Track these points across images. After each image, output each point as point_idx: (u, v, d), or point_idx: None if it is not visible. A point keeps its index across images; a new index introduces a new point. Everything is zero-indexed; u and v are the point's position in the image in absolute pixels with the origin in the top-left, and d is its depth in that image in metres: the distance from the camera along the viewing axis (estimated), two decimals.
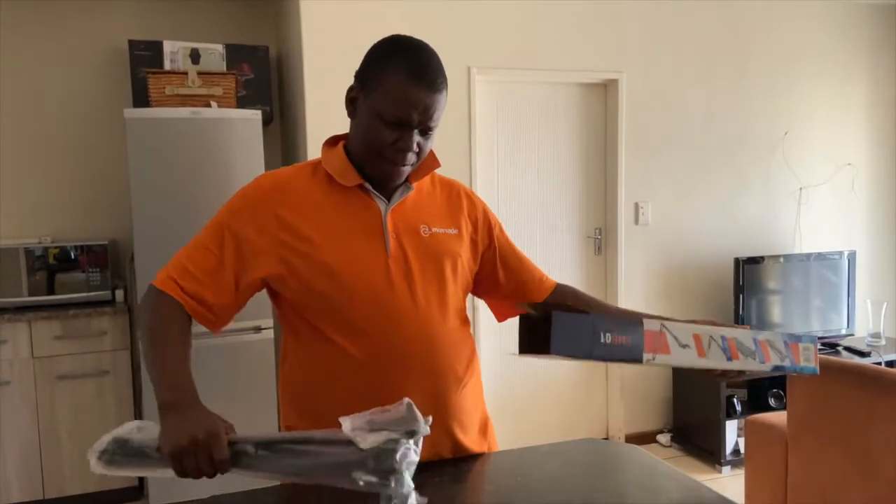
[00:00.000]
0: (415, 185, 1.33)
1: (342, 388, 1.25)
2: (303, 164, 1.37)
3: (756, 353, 1.15)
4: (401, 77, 1.20)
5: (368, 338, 1.24)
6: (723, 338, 1.13)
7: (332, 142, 1.37)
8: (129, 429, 1.03)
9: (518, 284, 1.44)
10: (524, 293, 1.44)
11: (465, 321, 1.38)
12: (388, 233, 1.28)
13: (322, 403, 1.28)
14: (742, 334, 1.15)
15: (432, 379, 1.27)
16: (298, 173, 1.34)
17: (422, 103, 1.21)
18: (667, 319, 1.11)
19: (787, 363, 1.17)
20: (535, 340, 1.05)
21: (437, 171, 1.40)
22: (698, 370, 1.18)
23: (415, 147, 1.24)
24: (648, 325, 1.07)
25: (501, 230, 1.46)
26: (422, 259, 1.29)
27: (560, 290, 1.47)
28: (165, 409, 1.07)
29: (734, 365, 1.13)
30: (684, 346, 1.10)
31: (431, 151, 1.34)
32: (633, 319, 1.07)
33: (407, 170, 1.28)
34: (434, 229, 1.33)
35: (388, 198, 1.31)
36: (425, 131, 1.25)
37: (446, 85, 1.26)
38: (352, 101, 1.28)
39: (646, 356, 1.06)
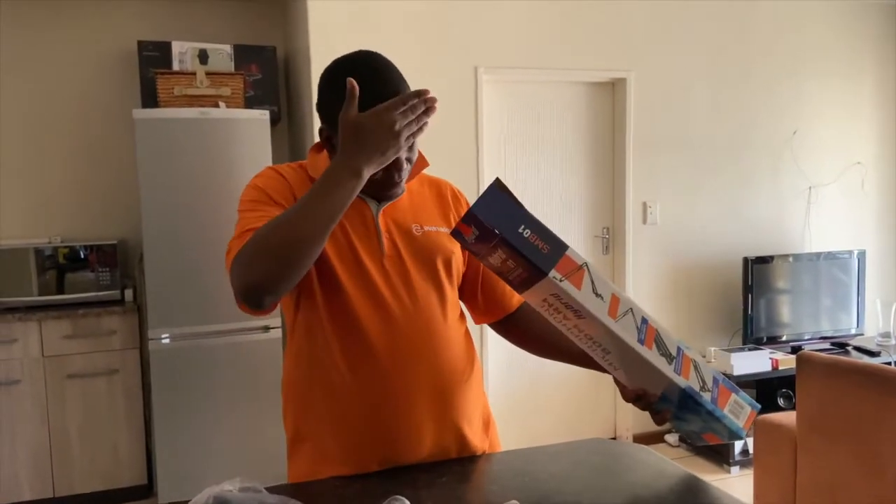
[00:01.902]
0: (406, 187, 1.33)
1: (345, 388, 1.25)
2: (295, 164, 1.35)
3: (674, 360, 1.05)
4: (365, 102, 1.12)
5: (369, 337, 1.24)
6: (644, 319, 1.04)
7: (317, 148, 1.34)
8: (228, 488, 1.00)
9: (490, 290, 1.41)
10: (496, 300, 1.42)
11: (462, 317, 1.39)
12: (382, 233, 1.28)
13: (325, 403, 1.28)
14: (668, 333, 1.06)
15: (434, 376, 1.27)
16: (296, 173, 1.33)
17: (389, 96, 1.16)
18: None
19: (704, 397, 1.06)
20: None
21: (437, 171, 1.41)
22: (623, 390, 1.15)
23: (404, 166, 1.24)
24: (572, 254, 1.01)
25: None
26: (416, 258, 1.29)
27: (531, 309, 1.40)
28: (354, 158, 1.07)
29: (642, 351, 1.03)
30: (598, 296, 1.01)
31: (420, 152, 1.33)
32: (561, 241, 1.01)
33: (404, 175, 1.27)
34: (426, 228, 1.33)
35: (378, 200, 1.30)
36: (411, 145, 1.22)
37: (405, 84, 1.21)
38: (327, 139, 1.24)
39: (553, 273, 0.99)
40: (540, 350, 1.42)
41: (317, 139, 1.34)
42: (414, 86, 1.21)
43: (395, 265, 1.27)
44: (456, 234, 1.04)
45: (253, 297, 1.07)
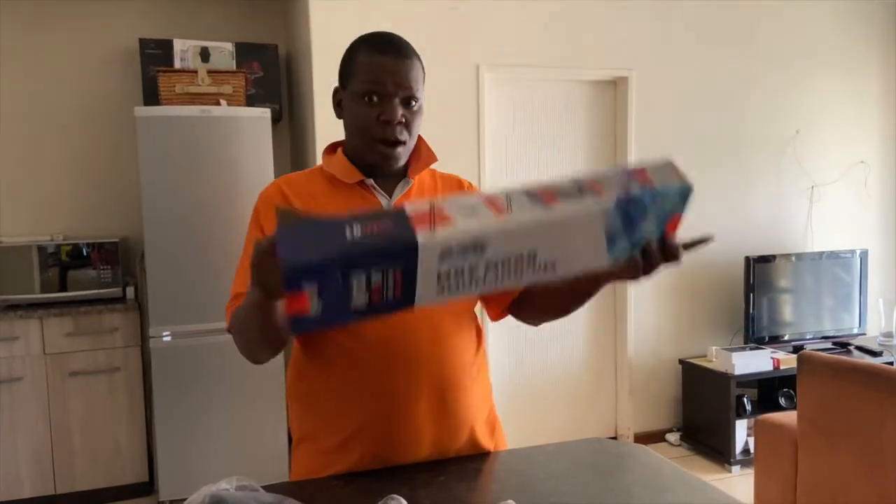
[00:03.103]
0: (414, 179, 1.34)
1: (351, 388, 1.25)
2: (304, 171, 1.40)
3: (585, 193, 0.89)
4: (367, 54, 1.25)
5: (373, 338, 1.24)
6: (526, 189, 0.88)
7: (331, 149, 1.40)
8: (225, 486, 1.00)
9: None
10: (504, 296, 1.38)
11: (471, 318, 1.38)
12: None
13: (326, 402, 1.29)
14: (558, 181, 0.90)
15: (440, 377, 1.27)
16: (304, 176, 1.37)
17: (392, 69, 1.24)
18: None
19: (635, 190, 0.91)
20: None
21: (438, 168, 1.41)
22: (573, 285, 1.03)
23: (399, 116, 1.25)
24: (413, 207, 0.85)
25: None
26: None
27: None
28: (260, 292, 1.03)
29: (556, 213, 0.86)
30: (472, 211, 0.85)
31: (427, 145, 1.36)
32: (393, 208, 0.90)
33: (401, 151, 1.28)
34: None
35: (390, 194, 1.32)
36: (407, 101, 1.26)
37: (417, 57, 1.28)
38: (338, 103, 1.33)
39: (421, 234, 0.81)
40: (553, 305, 1.33)
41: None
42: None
43: None
44: (298, 324, 0.82)
45: (251, 361, 1.29)
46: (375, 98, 1.24)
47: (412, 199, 1.33)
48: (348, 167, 1.31)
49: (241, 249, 1.34)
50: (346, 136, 1.34)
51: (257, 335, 1.16)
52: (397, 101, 1.25)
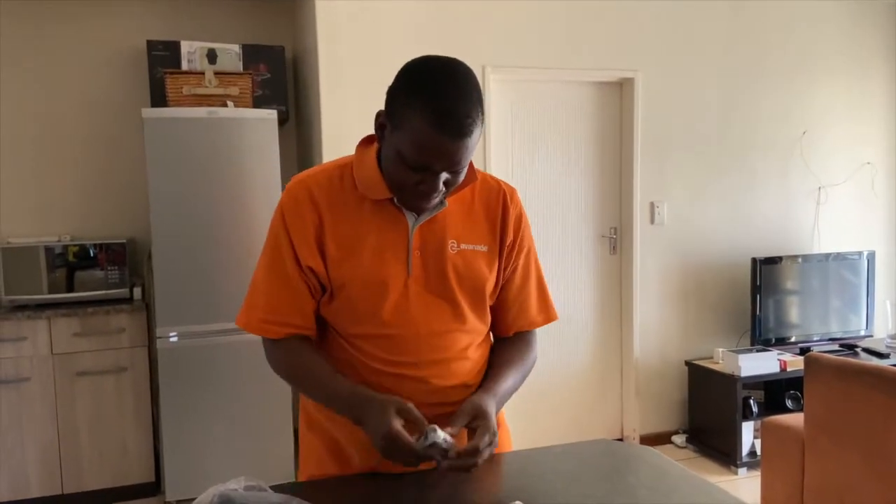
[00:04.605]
0: (449, 202, 1.26)
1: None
2: (332, 166, 1.30)
3: None
4: (423, 125, 1.09)
5: (380, 355, 1.24)
6: None
7: (367, 141, 1.29)
8: (233, 486, 1.01)
9: (499, 305, 1.37)
10: (493, 315, 1.37)
11: (485, 341, 1.35)
12: (413, 251, 1.24)
13: None
14: None
15: (442, 396, 1.26)
16: (328, 182, 1.27)
17: (446, 151, 1.11)
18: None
19: None
20: None
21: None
22: None
23: (440, 188, 1.17)
24: None
25: (529, 253, 1.38)
26: (443, 279, 1.25)
27: (510, 342, 1.39)
28: (356, 423, 1.18)
29: None
30: None
31: (471, 165, 1.27)
32: None
33: (435, 202, 1.22)
34: (462, 245, 1.27)
35: (419, 212, 1.25)
36: (455, 172, 1.17)
37: (480, 119, 1.13)
38: (380, 126, 1.20)
39: None
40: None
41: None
42: None
43: (419, 284, 1.25)
44: None
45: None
46: (419, 168, 1.14)
47: (442, 218, 1.27)
48: (377, 183, 1.23)
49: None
50: (382, 156, 1.23)
51: (323, 402, 1.27)
52: (442, 175, 1.15)
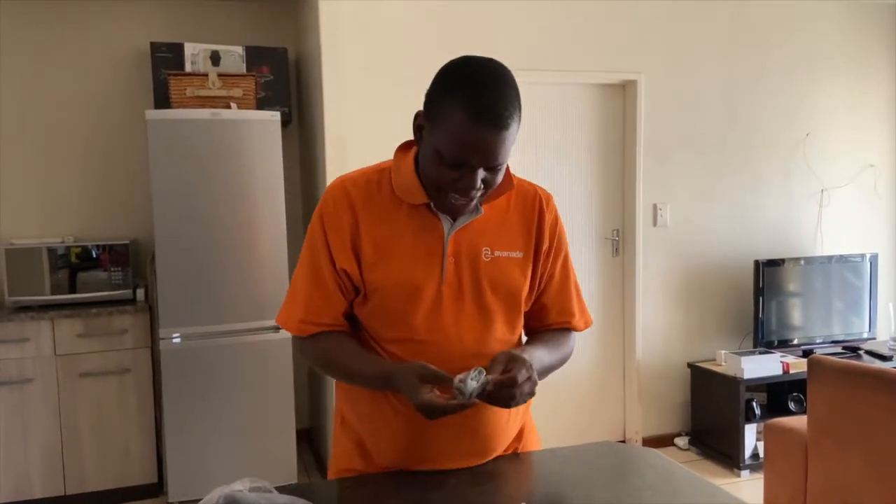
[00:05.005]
0: (485, 209, 1.27)
1: (388, 403, 1.27)
2: (371, 169, 1.31)
3: None
4: (461, 117, 1.10)
5: (415, 350, 1.24)
6: None
7: (406, 146, 1.30)
8: (238, 488, 1.01)
9: (538, 308, 1.39)
10: (533, 317, 1.40)
11: (517, 347, 1.35)
12: (447, 257, 1.25)
13: (371, 412, 1.30)
14: None
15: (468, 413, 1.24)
16: (366, 185, 1.28)
17: (484, 145, 1.12)
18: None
19: None
20: None
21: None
22: None
23: (478, 185, 1.17)
24: None
25: (565, 255, 1.39)
26: (477, 286, 1.26)
27: (547, 331, 1.41)
28: (396, 392, 1.20)
29: None
30: None
31: (508, 172, 1.27)
32: None
33: (473, 205, 1.23)
34: (497, 252, 1.28)
35: (454, 218, 1.25)
36: (493, 169, 1.18)
37: (518, 115, 1.15)
38: (419, 128, 1.21)
39: None
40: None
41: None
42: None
43: (452, 291, 1.25)
44: None
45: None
46: (457, 164, 1.14)
47: (477, 222, 1.27)
48: (415, 187, 1.23)
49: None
50: (420, 158, 1.23)
51: (360, 385, 1.29)
52: (480, 171, 1.15)
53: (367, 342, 1.30)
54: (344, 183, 1.28)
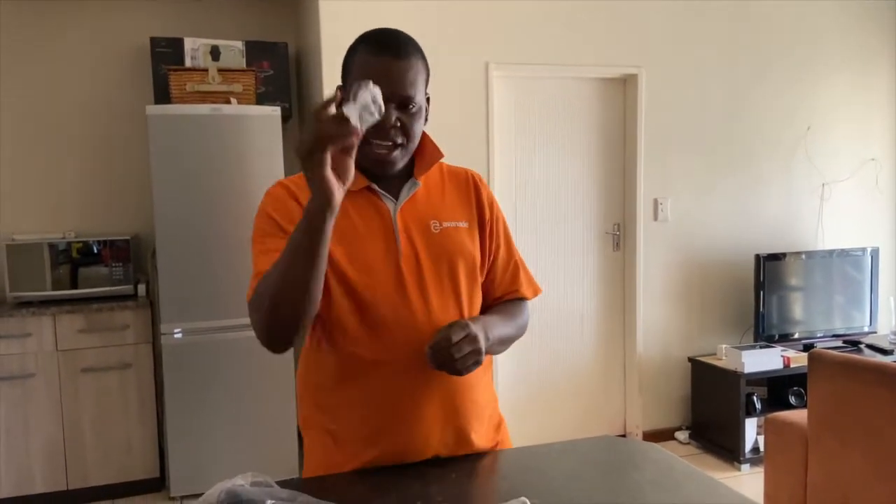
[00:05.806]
0: (421, 180, 1.31)
1: (357, 389, 1.26)
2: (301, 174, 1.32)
3: None
4: (363, 53, 1.21)
5: (381, 342, 1.24)
6: None
7: None
8: (240, 482, 1.01)
9: (490, 280, 1.40)
10: (484, 292, 1.40)
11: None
12: (399, 233, 1.27)
13: (338, 401, 1.29)
14: None
15: (444, 380, 1.26)
16: (305, 182, 1.23)
17: (387, 71, 1.17)
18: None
19: None
20: None
21: (446, 161, 1.39)
22: None
23: (393, 121, 1.19)
24: None
25: (505, 227, 1.44)
26: (433, 258, 1.28)
27: (500, 302, 1.41)
28: (317, 215, 1.06)
29: None
30: None
31: (432, 142, 1.32)
32: None
33: (398, 154, 1.24)
34: (444, 224, 1.31)
35: (396, 197, 1.29)
36: (404, 105, 1.21)
37: (419, 54, 1.23)
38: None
39: None
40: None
41: None
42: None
43: (410, 266, 1.27)
44: None
45: (269, 344, 1.19)
46: None
47: (419, 199, 1.31)
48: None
49: (249, 244, 1.34)
50: None
51: (300, 274, 1.10)
52: (392, 105, 1.19)
53: (335, 342, 1.27)
54: (282, 182, 1.32)
